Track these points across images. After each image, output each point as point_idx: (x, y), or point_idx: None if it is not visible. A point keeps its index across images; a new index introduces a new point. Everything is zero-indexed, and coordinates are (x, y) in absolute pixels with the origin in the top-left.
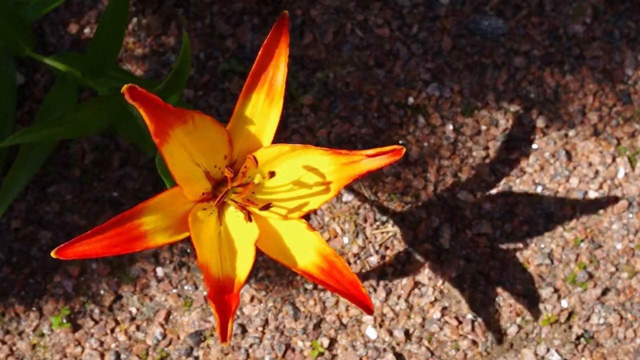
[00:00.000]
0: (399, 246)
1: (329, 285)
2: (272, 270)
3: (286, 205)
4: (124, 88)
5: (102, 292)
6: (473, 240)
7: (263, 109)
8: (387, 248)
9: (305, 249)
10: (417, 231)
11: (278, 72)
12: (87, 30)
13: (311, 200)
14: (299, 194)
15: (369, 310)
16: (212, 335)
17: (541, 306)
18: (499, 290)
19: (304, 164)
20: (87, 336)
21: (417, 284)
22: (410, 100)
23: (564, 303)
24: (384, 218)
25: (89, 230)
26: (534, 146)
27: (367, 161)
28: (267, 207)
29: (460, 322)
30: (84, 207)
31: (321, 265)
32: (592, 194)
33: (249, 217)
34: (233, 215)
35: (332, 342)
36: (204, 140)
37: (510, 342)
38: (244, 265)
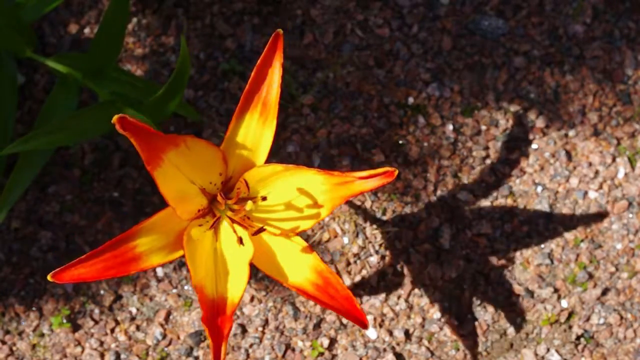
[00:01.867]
0: (399, 246)
1: (323, 301)
2: None
3: (280, 225)
4: (115, 119)
5: (102, 292)
6: (473, 240)
7: (257, 128)
8: (387, 248)
9: (299, 266)
10: (417, 231)
11: (272, 92)
12: (87, 30)
13: (304, 220)
14: (292, 213)
15: (363, 325)
16: None
17: (541, 306)
18: (499, 290)
19: (297, 184)
20: (87, 336)
21: (417, 284)
22: (410, 100)
23: (564, 303)
24: (384, 218)
25: (84, 255)
26: (534, 146)
27: (360, 182)
28: (259, 232)
29: (460, 322)
30: (84, 207)
31: (316, 282)
32: (592, 194)
33: (240, 241)
34: (229, 232)
35: (332, 342)
36: (198, 160)
37: (510, 342)
38: (238, 286)
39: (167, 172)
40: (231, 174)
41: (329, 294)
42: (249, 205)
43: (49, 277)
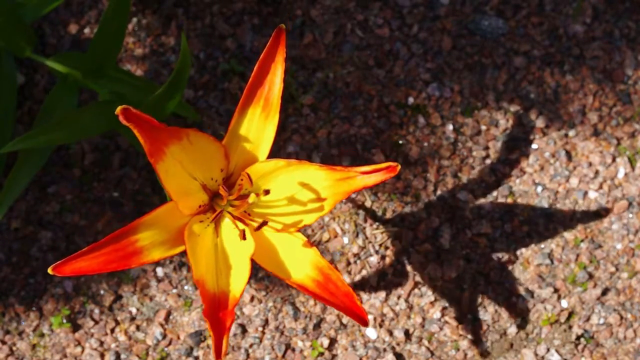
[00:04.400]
0: (399, 246)
1: (324, 298)
2: None
3: (282, 220)
4: (118, 110)
5: (102, 292)
6: (473, 240)
7: (259, 123)
8: (387, 248)
9: (300, 262)
10: (417, 231)
11: (274, 87)
12: (87, 30)
13: (306, 215)
14: (294, 208)
15: (364, 322)
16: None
17: (541, 306)
18: (499, 290)
19: (299, 179)
20: (87, 336)
21: (417, 284)
22: (410, 100)
23: (564, 303)
24: (384, 218)
25: (85, 247)
26: (534, 146)
27: (363, 177)
28: (261, 226)
29: (460, 322)
30: (84, 207)
31: (317, 279)
32: (592, 194)
33: (243, 235)
34: (230, 227)
35: (332, 342)
36: (200, 155)
37: (510, 342)
38: (239, 280)
39: (169, 167)
40: (232, 170)
41: (329, 291)
42: (252, 197)
43: (49, 270)
